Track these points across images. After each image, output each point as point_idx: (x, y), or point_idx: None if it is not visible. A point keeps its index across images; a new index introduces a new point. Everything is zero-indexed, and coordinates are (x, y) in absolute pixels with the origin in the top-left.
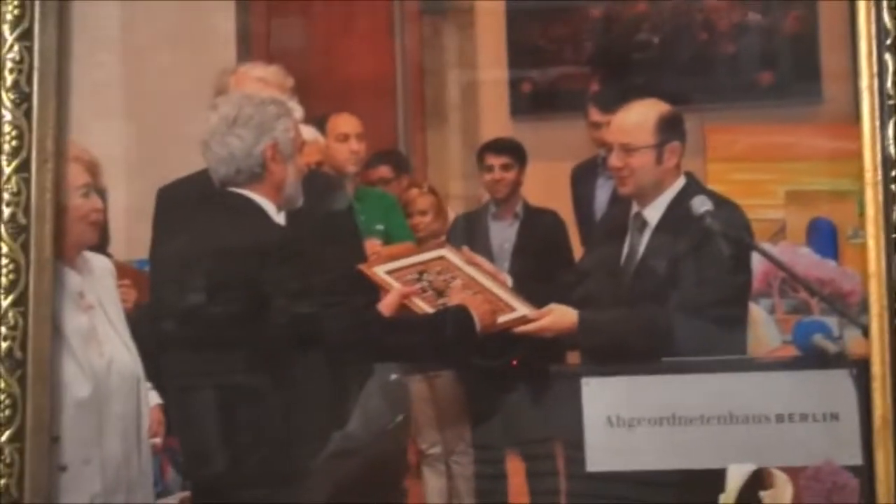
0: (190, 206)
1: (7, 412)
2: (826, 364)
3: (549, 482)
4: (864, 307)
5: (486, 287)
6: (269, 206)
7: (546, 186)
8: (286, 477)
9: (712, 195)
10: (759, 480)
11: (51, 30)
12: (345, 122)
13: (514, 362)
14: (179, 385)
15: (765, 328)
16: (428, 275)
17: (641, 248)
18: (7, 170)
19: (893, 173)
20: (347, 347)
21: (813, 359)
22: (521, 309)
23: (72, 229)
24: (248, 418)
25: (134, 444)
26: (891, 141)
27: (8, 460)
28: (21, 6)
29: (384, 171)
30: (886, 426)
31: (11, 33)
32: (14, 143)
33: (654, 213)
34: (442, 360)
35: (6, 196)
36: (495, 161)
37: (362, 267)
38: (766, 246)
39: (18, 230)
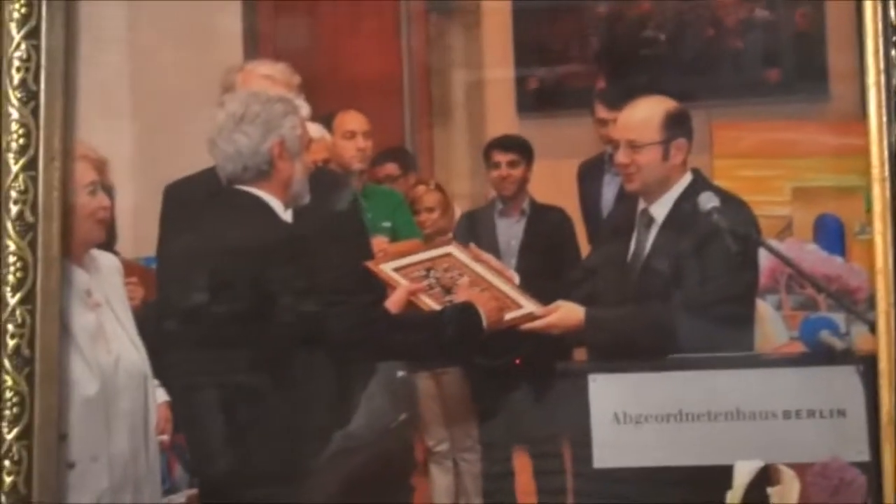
0: (197, 203)
1: (15, 410)
2: (833, 360)
3: (556, 480)
4: (872, 303)
5: (493, 284)
6: (276, 204)
7: (553, 183)
8: (292, 475)
9: (719, 192)
10: (766, 477)
11: (58, 28)
12: (351, 120)
13: (518, 361)
14: (186, 383)
15: (772, 324)
16: (435, 272)
17: (648, 245)
18: (14, 168)
19: None
20: (355, 344)
21: (820, 355)
22: (528, 306)
23: (79, 227)
24: (254, 416)
25: (141, 441)
26: None
27: (16, 457)
28: (28, 5)
29: (391, 168)
30: (893, 422)
31: (18, 32)
32: (21, 141)
33: (660, 209)
34: (449, 358)
35: (14, 194)
36: (502, 158)
37: (369, 264)
38: (773, 242)
39: (26, 228)
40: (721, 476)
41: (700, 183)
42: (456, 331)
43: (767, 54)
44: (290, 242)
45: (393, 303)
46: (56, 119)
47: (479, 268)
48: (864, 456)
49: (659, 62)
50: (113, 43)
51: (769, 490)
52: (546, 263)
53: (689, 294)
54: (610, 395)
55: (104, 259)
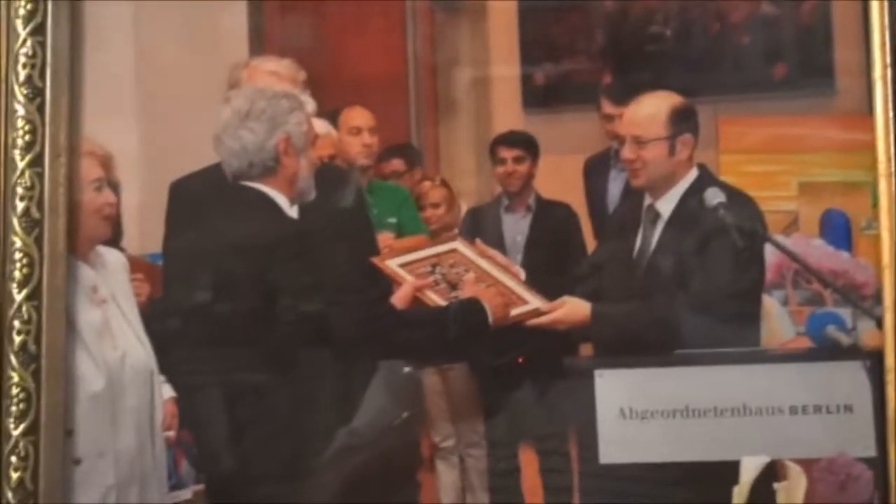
0: (203, 199)
1: (21, 406)
2: (840, 356)
3: (561, 476)
4: (878, 299)
5: (498, 280)
6: (281, 200)
7: (558, 179)
8: (297, 472)
9: (725, 187)
10: (772, 472)
11: (63, 25)
12: (357, 116)
13: (521, 360)
14: (192, 379)
15: (778, 320)
16: (441, 268)
17: (654, 241)
18: (20, 164)
19: None
20: (361, 340)
21: (826, 350)
22: (534, 301)
23: (85, 224)
24: (260, 413)
25: (148, 437)
26: None
27: (23, 453)
28: (34, 1)
29: (397, 164)
30: None
31: (24, 28)
32: (27, 137)
33: (666, 205)
34: (455, 353)
35: (20, 190)
36: (508, 154)
37: (375, 260)
38: (780, 238)
39: (32, 224)
40: (727, 472)
41: (706, 178)
42: (462, 326)
43: (773, 49)
44: (295, 238)
45: (399, 298)
46: (62, 115)
47: (484, 263)
48: (871, 451)
49: (665, 58)
50: (118, 40)
51: (776, 486)
52: (552, 259)
53: (695, 290)
54: (616, 390)
55: (110, 255)
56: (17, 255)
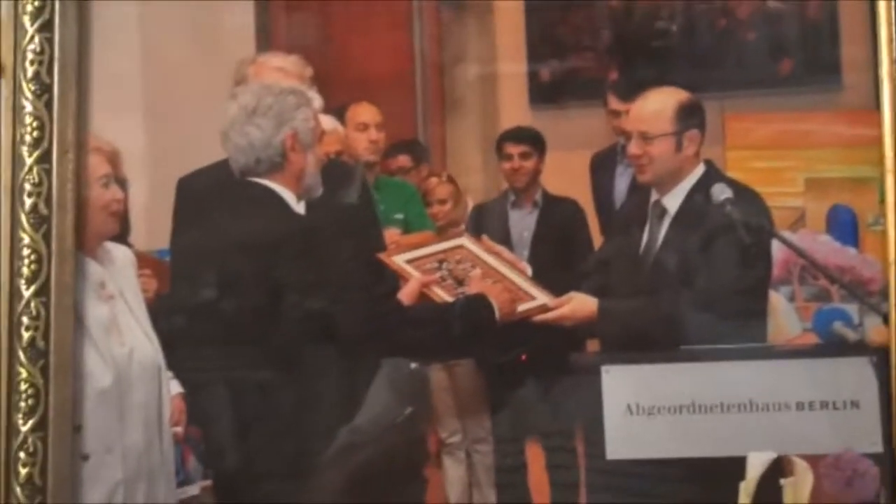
0: (210, 196)
1: (30, 402)
2: (846, 351)
3: (568, 472)
4: (885, 294)
5: (505, 276)
6: (288, 196)
7: (565, 175)
8: (303, 469)
9: (732, 183)
10: (779, 468)
11: (71, 21)
12: (364, 112)
13: (524, 357)
14: (200, 375)
15: (785, 316)
16: (447, 264)
17: (661, 237)
18: (28, 161)
19: None
20: (367, 336)
21: (833, 346)
22: (541, 297)
23: (93, 220)
24: (266, 410)
25: (155, 432)
26: None
27: (31, 449)
28: None
29: (403, 160)
30: None
31: (32, 25)
32: (35, 134)
33: (673, 201)
34: (461, 350)
35: (28, 187)
36: (514, 150)
37: (382, 256)
38: (786, 233)
39: (40, 221)
40: (734, 468)
41: (713, 174)
42: (468, 322)
43: (780, 45)
44: (302, 234)
45: (406, 294)
46: (69, 112)
47: (491, 260)
48: (878, 447)
49: (671, 54)
50: (125, 36)
51: (782, 482)
52: (558, 255)
53: (701, 286)
54: (623, 386)
55: (118, 251)
56: (26, 252)
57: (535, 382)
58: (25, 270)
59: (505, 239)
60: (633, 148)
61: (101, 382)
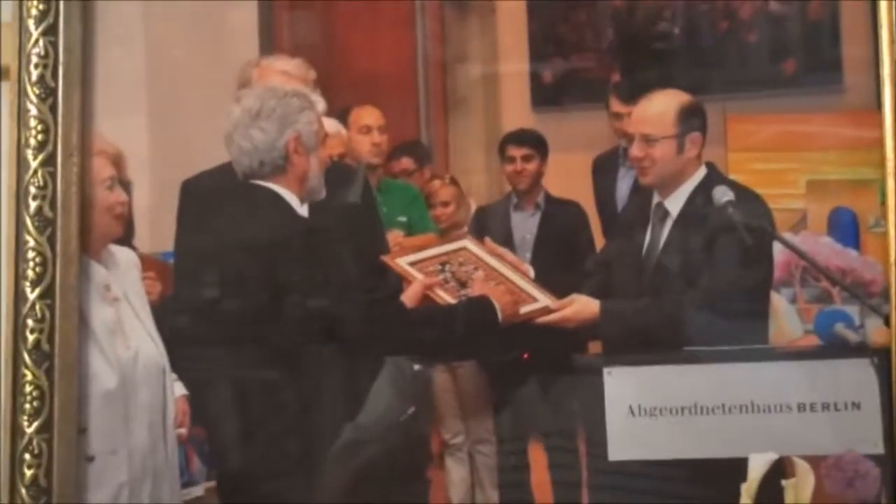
0: (214, 198)
1: (35, 403)
2: (848, 353)
3: (570, 472)
4: (886, 296)
5: (508, 278)
6: (292, 199)
7: (567, 177)
8: (307, 468)
9: (733, 185)
10: (780, 469)
11: (75, 25)
12: (367, 115)
13: (526, 356)
14: (204, 377)
15: (786, 318)
16: (450, 266)
17: (663, 239)
18: (33, 164)
19: None
20: (370, 338)
21: (835, 348)
22: (544, 299)
23: (97, 222)
24: (271, 410)
25: (160, 434)
26: None
27: (36, 451)
28: (46, 2)
29: (406, 162)
30: None
31: (37, 28)
32: (40, 137)
33: (675, 203)
34: (464, 351)
35: (33, 190)
36: (517, 152)
37: (385, 258)
38: (788, 235)
39: (45, 224)
40: (736, 468)
41: (714, 176)
42: (471, 324)
43: (782, 46)
44: (306, 236)
45: (409, 297)
46: (74, 115)
47: (494, 262)
48: (879, 448)
49: (673, 56)
50: (129, 39)
51: (784, 482)
52: (561, 257)
53: (703, 287)
54: (625, 387)
55: (122, 254)
56: (31, 254)
57: (538, 384)
58: (30, 273)
59: (507, 241)
60: (636, 150)
61: (105, 384)
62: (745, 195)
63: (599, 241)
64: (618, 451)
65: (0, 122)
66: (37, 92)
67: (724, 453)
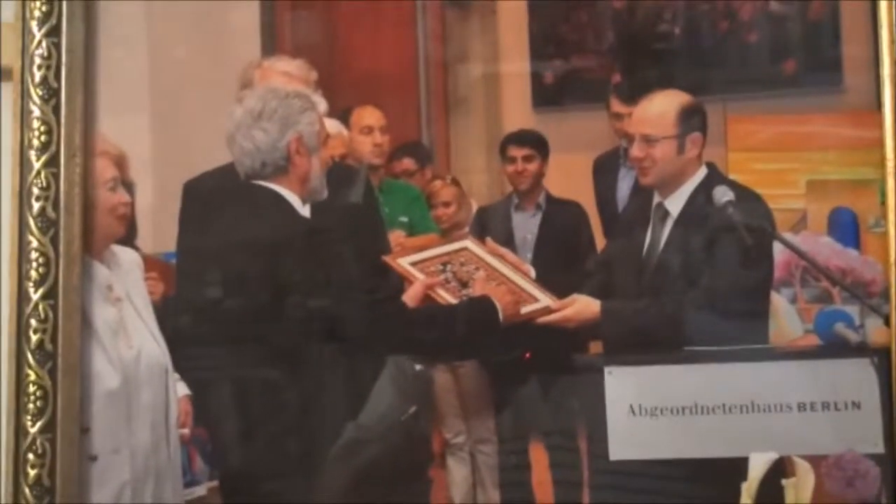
0: (216, 199)
1: (38, 403)
2: (848, 353)
3: (571, 471)
4: (886, 296)
5: (509, 278)
6: (294, 199)
7: (568, 177)
8: (307, 467)
9: (734, 185)
10: (781, 469)
11: (78, 26)
12: (369, 116)
13: (528, 355)
14: (207, 377)
15: (787, 317)
16: (451, 266)
17: (663, 239)
18: (36, 165)
19: None
20: (372, 338)
21: (835, 348)
22: (544, 299)
23: (100, 223)
24: (273, 409)
25: (162, 433)
26: None
27: (40, 450)
28: (49, 3)
29: (408, 163)
30: None
31: (40, 30)
32: (43, 138)
33: (675, 203)
34: (465, 351)
35: (36, 191)
36: (518, 153)
37: (387, 258)
38: (788, 235)
39: (48, 224)
40: (736, 468)
41: (715, 177)
42: (472, 324)
43: (782, 46)
44: (308, 237)
45: (410, 297)
46: (76, 116)
47: (495, 262)
48: (879, 448)
49: (674, 56)
50: (131, 39)
51: (784, 482)
52: (562, 257)
53: (704, 287)
54: (626, 387)
55: (125, 254)
56: (34, 255)
57: (539, 384)
58: (33, 273)
59: (508, 241)
60: (636, 151)
61: (108, 384)
62: (745, 195)
63: (600, 242)
64: (618, 450)
65: (2, 122)
66: (40, 93)
67: (724, 453)
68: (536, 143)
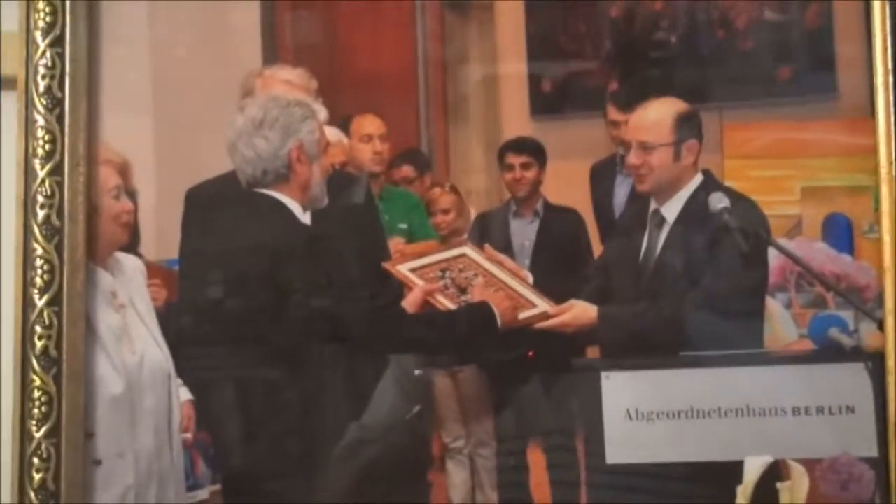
0: (218, 206)
1: (43, 409)
2: (842, 357)
3: (568, 472)
4: (880, 301)
5: (507, 284)
6: (295, 207)
7: (565, 184)
8: (309, 468)
9: (729, 192)
10: (775, 472)
11: (81, 36)
12: (369, 123)
13: (531, 354)
14: (209, 381)
15: (781, 322)
16: (450, 272)
17: (660, 245)
18: (41, 173)
19: None
20: (372, 344)
21: (829, 352)
22: (542, 305)
23: (104, 230)
24: (276, 411)
25: (166, 438)
26: None
27: (44, 455)
28: (53, 13)
29: (407, 170)
30: None
31: (44, 40)
32: (47, 147)
33: (672, 210)
34: (464, 356)
35: (40, 199)
36: (515, 160)
37: (387, 265)
38: (783, 241)
39: (52, 232)
40: (731, 471)
41: (710, 183)
42: (471, 330)
43: (777, 54)
44: (308, 244)
45: (410, 303)
46: (80, 125)
47: (493, 268)
48: (873, 452)
49: (670, 64)
50: (133, 40)
51: (779, 485)
52: (559, 263)
53: (700, 293)
54: (622, 392)
55: (128, 261)
56: (38, 262)
57: (537, 388)
58: (38, 280)
59: (506, 248)
60: (633, 158)
61: (112, 389)
62: (740, 202)
63: (597, 248)
64: (615, 454)
65: (4, 132)
66: (44, 102)
67: (720, 456)
68: (534, 151)
